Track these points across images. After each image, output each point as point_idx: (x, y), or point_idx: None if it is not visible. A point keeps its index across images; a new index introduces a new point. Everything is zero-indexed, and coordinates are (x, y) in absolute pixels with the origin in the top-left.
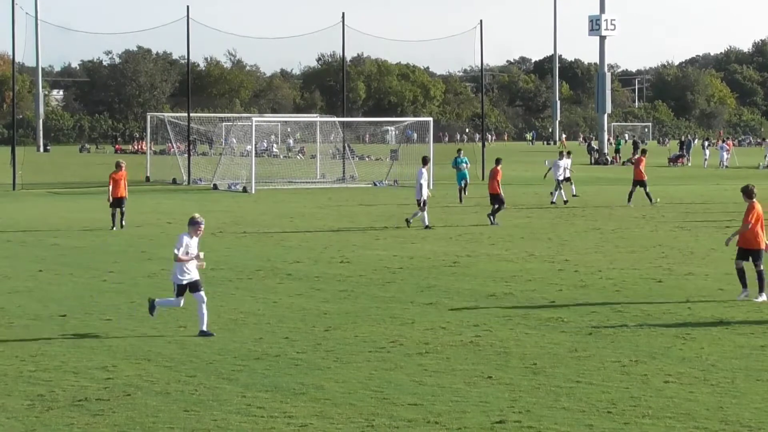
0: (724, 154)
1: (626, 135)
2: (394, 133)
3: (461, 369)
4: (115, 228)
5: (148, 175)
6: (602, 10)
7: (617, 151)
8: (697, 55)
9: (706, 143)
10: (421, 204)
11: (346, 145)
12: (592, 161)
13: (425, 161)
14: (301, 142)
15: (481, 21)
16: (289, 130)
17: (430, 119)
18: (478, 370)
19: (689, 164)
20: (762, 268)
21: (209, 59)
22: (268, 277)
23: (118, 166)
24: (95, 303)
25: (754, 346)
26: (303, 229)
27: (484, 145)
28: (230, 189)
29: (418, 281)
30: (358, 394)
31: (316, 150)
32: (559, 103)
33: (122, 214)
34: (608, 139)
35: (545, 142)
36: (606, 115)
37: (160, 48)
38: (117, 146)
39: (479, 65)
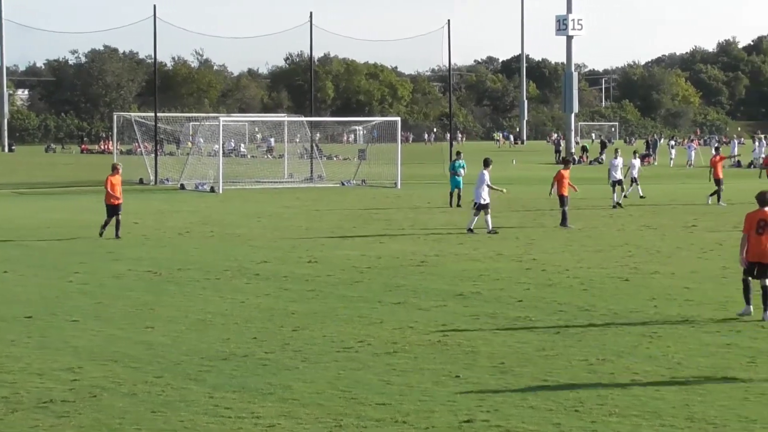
0: (692, 153)
1: (593, 134)
2: (361, 132)
3: (429, 368)
4: (103, 236)
5: None
6: (569, 9)
7: (584, 150)
8: (663, 55)
9: (672, 142)
10: (478, 208)
11: (314, 144)
12: (559, 160)
13: (486, 163)
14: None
15: (448, 21)
16: (256, 129)
17: (398, 119)
18: (446, 370)
19: (656, 163)
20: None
21: (176, 59)
22: (235, 277)
23: (114, 169)
24: (61, 304)
25: (720, 344)
26: (271, 228)
27: (451, 145)
28: (197, 189)
29: (386, 281)
30: (326, 394)
31: (284, 150)
32: (526, 102)
33: (118, 222)
34: (575, 139)
35: (514, 142)
36: (573, 115)
37: (127, 47)
38: (83, 146)
39: (447, 65)
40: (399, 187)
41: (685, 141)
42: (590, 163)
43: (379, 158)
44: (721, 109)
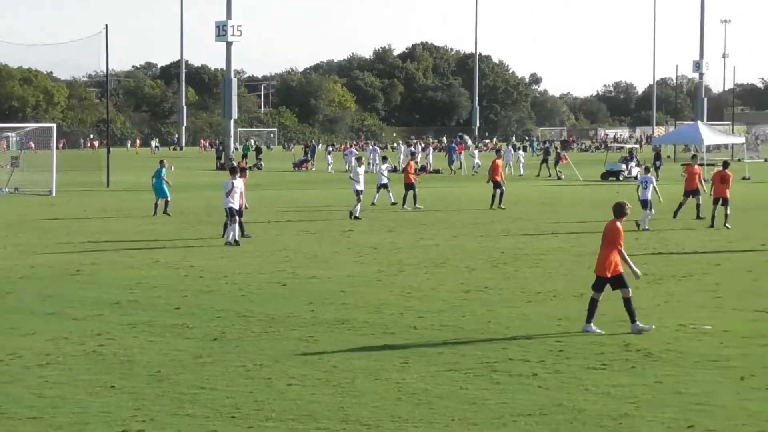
0: (352, 159)
1: (252, 140)
2: (15, 139)
3: (84, 379)
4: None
5: None
6: (229, 16)
7: (244, 156)
8: (321, 62)
9: (330, 148)
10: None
11: None
12: (218, 166)
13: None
14: None
15: (106, 26)
16: None
17: (53, 125)
18: (101, 380)
19: (314, 169)
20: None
21: None
22: None
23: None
24: None
25: (375, 345)
26: None
27: (109, 152)
28: None
29: (40, 290)
30: None
31: None
32: (185, 108)
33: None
34: (235, 145)
35: (171, 148)
36: (232, 121)
37: None
38: None
39: (104, 70)
40: (54, 194)
41: (343, 147)
42: (249, 169)
43: (34, 165)
44: (377, 115)
